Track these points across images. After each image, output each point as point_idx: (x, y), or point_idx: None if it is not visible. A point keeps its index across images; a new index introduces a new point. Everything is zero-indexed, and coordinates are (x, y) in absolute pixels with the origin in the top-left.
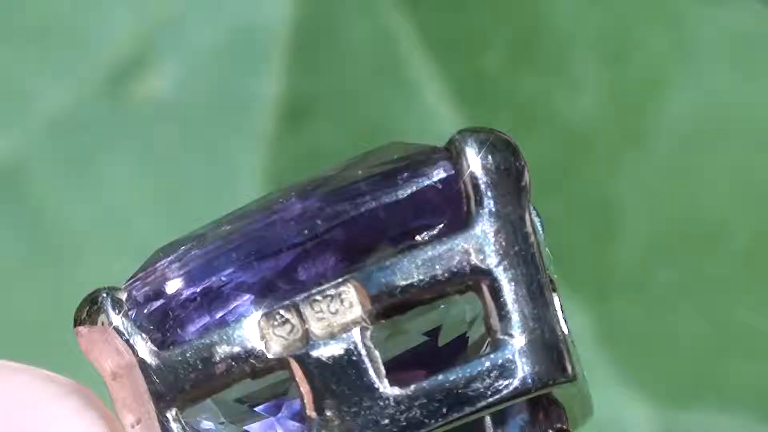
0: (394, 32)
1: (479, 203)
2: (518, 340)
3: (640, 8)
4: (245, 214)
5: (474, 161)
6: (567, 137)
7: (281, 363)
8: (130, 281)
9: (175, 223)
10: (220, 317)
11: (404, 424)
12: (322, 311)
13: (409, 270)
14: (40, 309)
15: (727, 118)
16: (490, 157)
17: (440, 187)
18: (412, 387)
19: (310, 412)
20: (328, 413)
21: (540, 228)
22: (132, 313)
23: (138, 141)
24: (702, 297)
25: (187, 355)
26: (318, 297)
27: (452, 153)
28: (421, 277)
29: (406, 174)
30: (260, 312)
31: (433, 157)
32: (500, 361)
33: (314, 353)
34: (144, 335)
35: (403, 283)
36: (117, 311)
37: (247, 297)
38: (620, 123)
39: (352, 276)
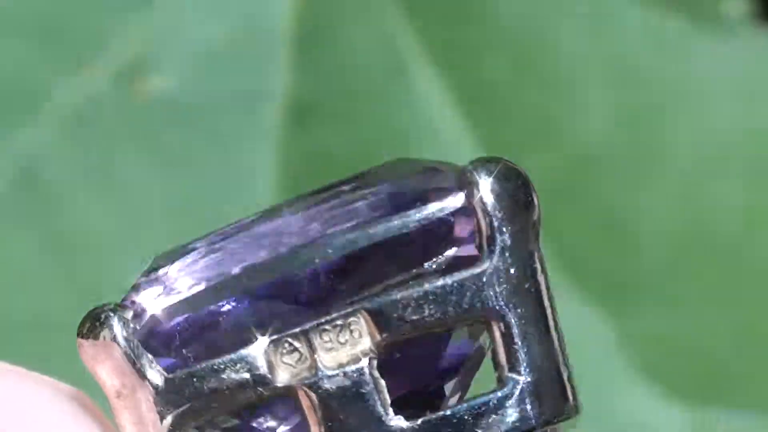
0: (398, 35)
1: (492, 239)
2: (525, 377)
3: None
4: (254, 236)
5: (487, 195)
6: (574, 152)
7: (288, 391)
8: (133, 293)
9: (189, 222)
10: (227, 341)
11: None
12: (331, 341)
13: (420, 304)
14: (55, 307)
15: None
16: (503, 191)
17: (452, 219)
18: (419, 421)
19: None
20: None
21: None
22: (138, 334)
23: (151, 141)
24: (724, 302)
25: (194, 379)
26: (327, 326)
27: (464, 183)
28: (431, 312)
29: (419, 203)
30: (267, 339)
31: (446, 187)
32: (507, 397)
33: (322, 383)
34: (150, 356)
35: (414, 317)
36: (124, 331)
37: (254, 321)
38: (632, 138)
39: (363, 306)
